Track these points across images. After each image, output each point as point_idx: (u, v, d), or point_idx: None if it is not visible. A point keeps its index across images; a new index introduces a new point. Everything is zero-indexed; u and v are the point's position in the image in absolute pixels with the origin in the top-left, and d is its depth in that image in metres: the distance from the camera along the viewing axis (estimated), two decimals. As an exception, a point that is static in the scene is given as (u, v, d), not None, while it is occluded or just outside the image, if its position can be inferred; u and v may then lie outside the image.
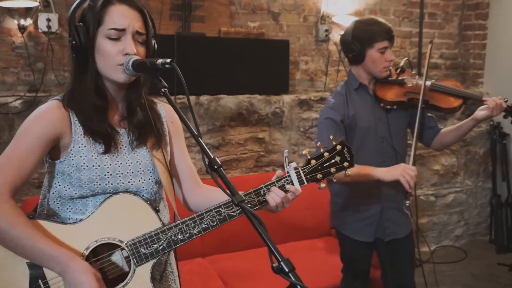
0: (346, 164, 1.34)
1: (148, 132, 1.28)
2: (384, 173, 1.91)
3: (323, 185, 1.33)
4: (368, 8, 3.85)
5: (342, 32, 2.17)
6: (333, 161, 1.33)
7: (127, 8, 1.19)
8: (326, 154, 1.33)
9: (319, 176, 1.32)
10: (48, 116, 1.18)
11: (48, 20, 2.86)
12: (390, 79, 2.10)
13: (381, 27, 2.01)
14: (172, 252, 1.36)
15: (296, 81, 3.66)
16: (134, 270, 1.19)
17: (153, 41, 1.26)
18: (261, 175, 3.22)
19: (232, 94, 3.18)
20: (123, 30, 1.18)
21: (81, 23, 1.18)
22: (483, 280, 3.45)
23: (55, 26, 2.89)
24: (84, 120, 1.20)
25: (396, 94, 2.08)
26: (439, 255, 3.85)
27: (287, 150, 1.34)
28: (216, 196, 1.28)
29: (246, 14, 3.48)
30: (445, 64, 4.29)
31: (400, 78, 2.12)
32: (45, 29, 2.86)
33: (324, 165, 1.32)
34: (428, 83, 2.11)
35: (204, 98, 3.09)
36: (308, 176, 1.31)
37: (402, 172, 1.86)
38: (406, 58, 2.19)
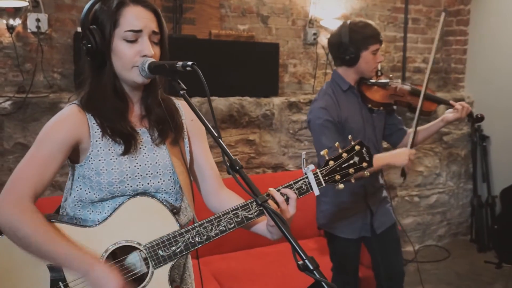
0: (365, 164, 1.33)
1: (167, 128, 1.26)
2: (396, 160, 1.99)
3: (341, 185, 1.31)
4: (355, 13, 3.90)
5: (329, 35, 2.17)
6: (351, 161, 1.31)
7: (142, 9, 1.18)
8: (344, 154, 1.31)
9: (337, 177, 1.30)
10: (69, 121, 1.17)
11: (38, 20, 2.80)
12: (374, 81, 2.15)
13: (374, 29, 2.07)
14: (189, 256, 1.35)
15: (284, 84, 3.68)
16: (153, 273, 1.18)
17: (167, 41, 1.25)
18: (252, 176, 3.21)
19: (223, 96, 3.17)
20: (139, 31, 1.17)
21: (94, 26, 1.16)
22: (467, 278, 3.52)
23: (44, 27, 2.83)
24: (103, 121, 1.18)
25: (383, 96, 2.14)
26: (423, 255, 3.91)
27: (304, 152, 1.31)
28: (237, 203, 1.27)
29: (236, 17, 3.47)
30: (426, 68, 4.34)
31: (383, 80, 2.16)
32: (34, 30, 2.80)
33: (343, 166, 1.31)
34: (408, 87, 2.18)
35: (195, 100, 3.06)
36: (326, 178, 1.29)
37: (409, 158, 1.98)
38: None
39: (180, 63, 1.10)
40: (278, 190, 1.24)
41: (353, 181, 1.36)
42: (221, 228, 1.20)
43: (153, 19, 1.19)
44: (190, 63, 1.08)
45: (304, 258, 0.91)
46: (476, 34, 4.20)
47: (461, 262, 3.80)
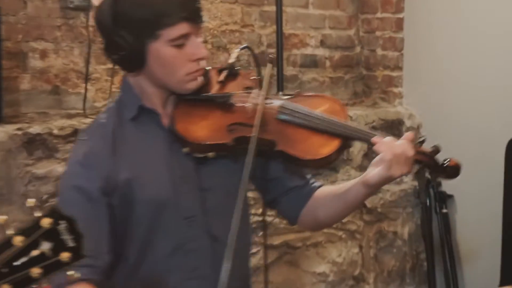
0: (65, 255, 1.36)
1: None
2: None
3: None
4: None
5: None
6: (35, 253, 1.34)
7: None
8: (18, 239, 1.34)
9: None
10: None
11: None
12: (204, 95, 2.24)
13: None
14: None
15: (22, 95, 3.70)
16: None
17: None
18: None
19: None
20: None
21: None
22: None
23: None
24: None
25: (213, 128, 2.22)
26: None
27: None
28: None
29: None
30: (331, 58, 4.51)
31: (225, 92, 2.26)
32: None
33: (15, 264, 1.34)
34: (277, 103, 2.23)
35: None
36: None
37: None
38: (243, 46, 2.38)
39: None
40: None
41: None
42: None
43: None
44: None
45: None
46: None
47: None
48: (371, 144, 2.17)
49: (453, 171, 2.24)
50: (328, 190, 2.33)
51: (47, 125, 3.43)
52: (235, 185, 2.19)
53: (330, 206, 2.28)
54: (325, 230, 4.14)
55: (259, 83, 2.28)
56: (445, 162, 2.22)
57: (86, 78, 3.68)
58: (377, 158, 2.15)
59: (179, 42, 2.11)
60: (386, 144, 2.11)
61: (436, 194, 4.29)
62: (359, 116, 4.29)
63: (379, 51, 4.53)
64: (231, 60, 2.30)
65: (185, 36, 2.11)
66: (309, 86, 4.33)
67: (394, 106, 4.44)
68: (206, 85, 2.23)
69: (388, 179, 2.12)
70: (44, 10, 3.65)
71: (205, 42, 4.10)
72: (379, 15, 4.52)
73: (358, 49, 4.59)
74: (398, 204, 4.35)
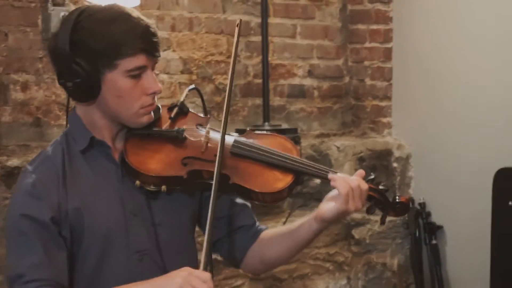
0: None
1: None
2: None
3: None
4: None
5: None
6: None
7: None
8: None
9: None
10: None
11: None
12: (155, 129, 2.24)
13: (131, 25, 2.13)
14: None
15: (3, 127, 3.68)
16: None
17: None
18: None
19: None
20: None
21: None
22: None
23: None
24: None
25: (167, 161, 2.22)
26: None
27: None
28: None
29: None
30: (319, 88, 4.47)
31: (176, 127, 2.25)
32: None
33: None
34: (230, 139, 2.23)
35: None
36: None
37: (184, 283, 2.00)
38: (191, 87, 2.39)
39: None
40: None
41: None
42: None
43: None
44: None
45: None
46: (403, 18, 4.51)
47: None
48: (327, 180, 2.20)
49: (402, 207, 2.26)
50: (275, 231, 2.37)
51: (26, 158, 3.41)
52: (187, 220, 2.29)
53: (279, 246, 2.30)
54: (312, 262, 4.14)
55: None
56: (395, 198, 2.25)
57: (67, 110, 3.59)
58: (332, 193, 2.19)
59: (135, 74, 2.11)
60: (342, 179, 2.15)
61: (425, 225, 4.30)
62: (346, 146, 4.31)
63: (368, 81, 4.53)
64: (181, 99, 2.31)
65: (141, 69, 2.12)
66: (297, 117, 4.34)
67: (383, 136, 4.44)
68: (157, 120, 2.25)
69: (344, 214, 2.16)
70: (25, 42, 3.65)
71: (191, 72, 4.15)
72: (367, 44, 4.53)
73: (346, 79, 4.58)
74: (387, 235, 4.32)
